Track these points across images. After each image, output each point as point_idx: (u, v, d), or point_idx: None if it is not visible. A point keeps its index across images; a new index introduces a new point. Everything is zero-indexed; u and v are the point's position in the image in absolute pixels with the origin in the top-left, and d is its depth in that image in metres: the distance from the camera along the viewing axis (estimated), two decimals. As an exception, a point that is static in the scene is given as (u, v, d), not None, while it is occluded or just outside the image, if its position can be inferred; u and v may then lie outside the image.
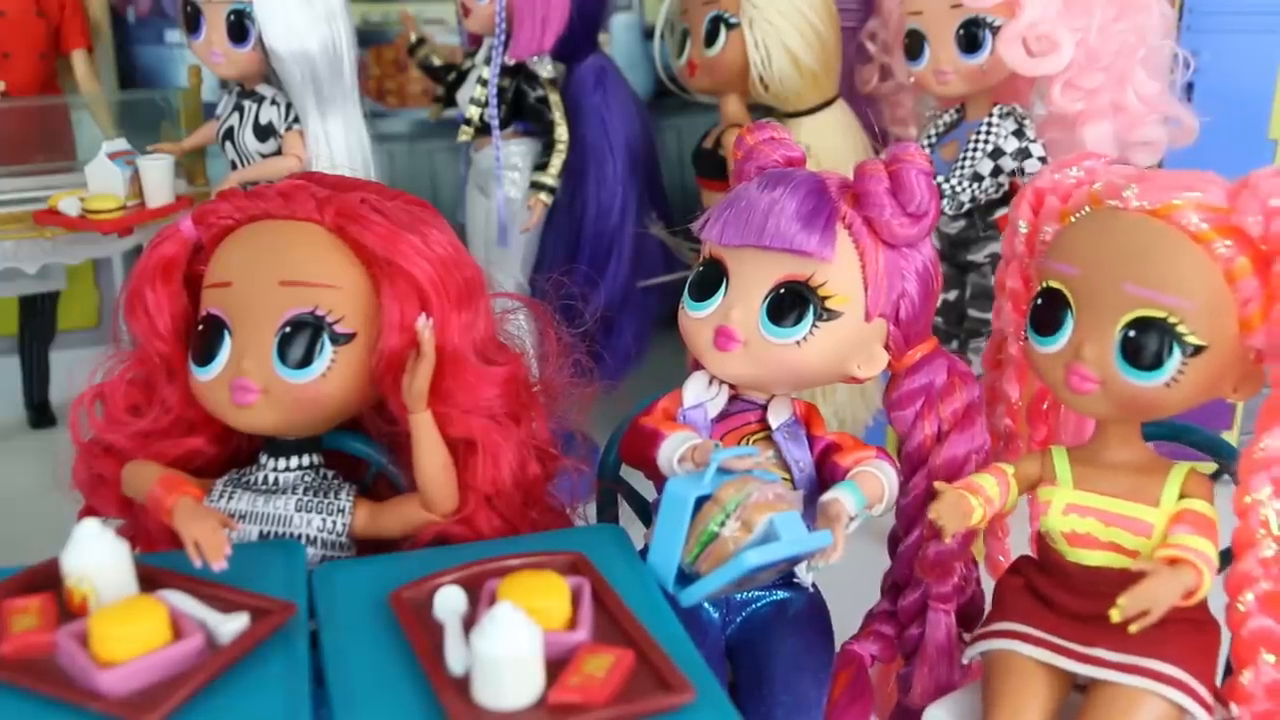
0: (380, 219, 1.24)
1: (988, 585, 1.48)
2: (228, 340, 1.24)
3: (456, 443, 1.27)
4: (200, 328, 1.26)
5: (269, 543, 1.27)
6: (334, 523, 1.28)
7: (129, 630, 0.99)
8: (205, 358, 1.25)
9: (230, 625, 1.04)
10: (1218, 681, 1.23)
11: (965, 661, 1.33)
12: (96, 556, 1.06)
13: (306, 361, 1.23)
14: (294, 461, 1.30)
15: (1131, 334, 1.14)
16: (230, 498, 1.29)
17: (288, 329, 1.22)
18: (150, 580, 1.09)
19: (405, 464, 1.31)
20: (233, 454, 1.36)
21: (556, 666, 0.97)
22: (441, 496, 1.26)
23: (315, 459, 1.32)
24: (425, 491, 1.26)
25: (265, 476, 1.30)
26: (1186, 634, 1.18)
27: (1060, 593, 1.25)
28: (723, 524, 1.13)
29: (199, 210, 1.30)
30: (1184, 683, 1.15)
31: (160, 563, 1.13)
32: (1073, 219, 1.24)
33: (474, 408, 1.27)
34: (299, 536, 1.27)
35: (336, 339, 1.23)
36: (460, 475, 1.28)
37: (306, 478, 1.30)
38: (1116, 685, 1.17)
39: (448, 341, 1.24)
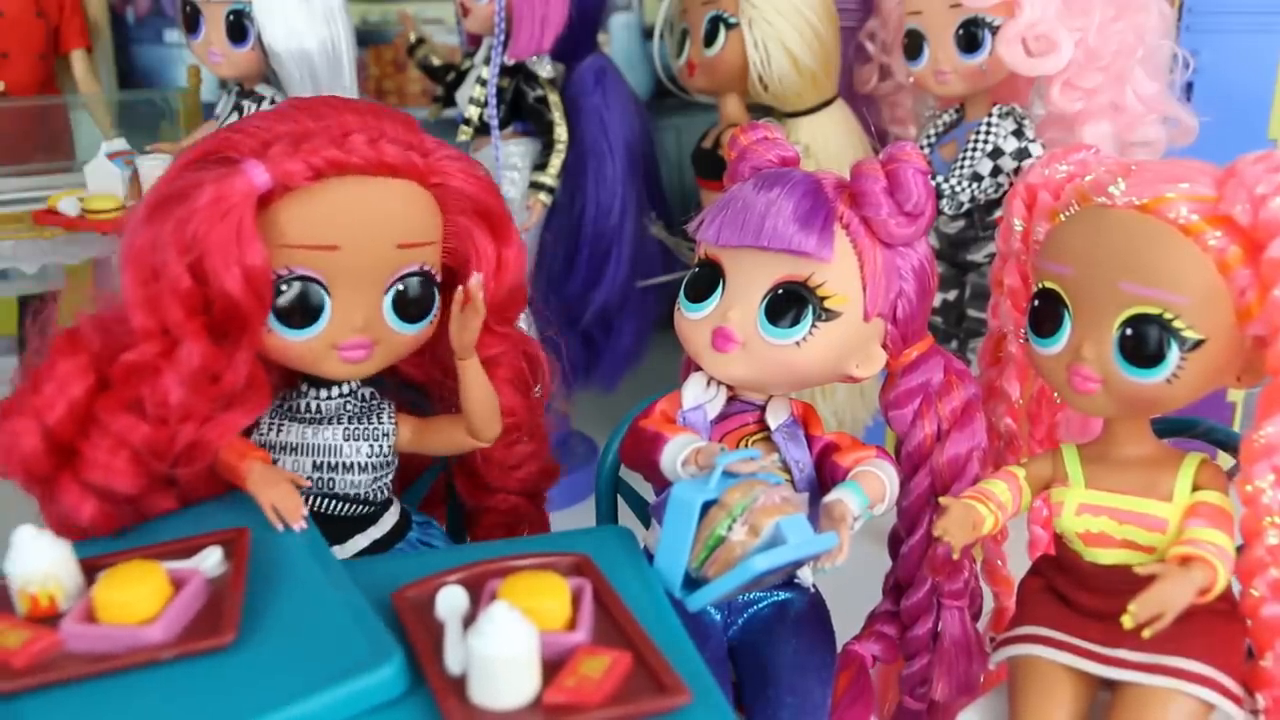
0: (453, 165, 1.30)
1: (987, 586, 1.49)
2: (327, 302, 1.24)
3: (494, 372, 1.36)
4: (285, 288, 1.23)
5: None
6: (380, 445, 1.34)
7: (140, 591, 1.01)
8: (302, 320, 1.24)
9: (211, 559, 1.07)
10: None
11: (991, 667, 1.32)
12: (51, 554, 1.06)
13: (421, 317, 1.31)
14: (335, 390, 1.33)
15: (1129, 332, 1.13)
16: (279, 430, 1.31)
17: (399, 287, 1.28)
18: (94, 568, 1.08)
19: (436, 396, 1.44)
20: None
21: (554, 667, 0.97)
22: (489, 426, 1.35)
23: (354, 384, 1.35)
24: (474, 422, 1.34)
25: (308, 404, 1.33)
26: (1211, 627, 1.16)
27: (1080, 592, 1.23)
28: (729, 528, 1.12)
29: (272, 159, 1.18)
30: (1211, 679, 1.13)
31: (87, 552, 1.12)
32: (1063, 216, 1.22)
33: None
34: (350, 466, 1.32)
35: (435, 291, 1.32)
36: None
37: (348, 405, 1.34)
38: (1142, 686, 1.15)
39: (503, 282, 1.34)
